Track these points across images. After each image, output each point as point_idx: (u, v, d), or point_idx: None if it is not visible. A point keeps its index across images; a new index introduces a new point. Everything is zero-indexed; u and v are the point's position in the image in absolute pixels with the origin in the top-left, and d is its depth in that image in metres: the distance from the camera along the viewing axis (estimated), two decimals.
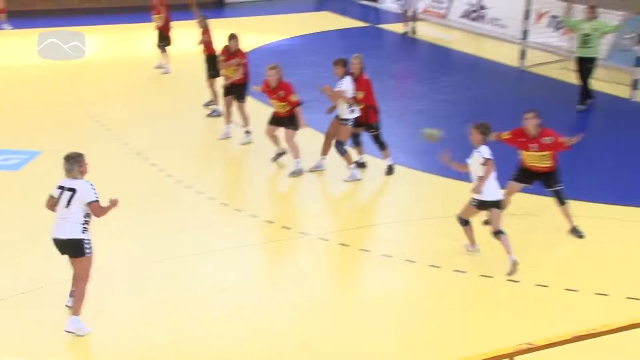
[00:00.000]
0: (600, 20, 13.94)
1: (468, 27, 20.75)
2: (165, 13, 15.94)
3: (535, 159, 9.25)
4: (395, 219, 10.23)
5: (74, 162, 7.33)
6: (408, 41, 19.69)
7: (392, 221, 10.19)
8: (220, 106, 13.44)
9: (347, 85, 10.83)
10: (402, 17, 20.21)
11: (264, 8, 23.50)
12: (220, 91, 13.24)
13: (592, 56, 13.74)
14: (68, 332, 7.30)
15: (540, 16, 18.70)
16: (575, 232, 9.44)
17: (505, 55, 17.46)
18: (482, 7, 20.78)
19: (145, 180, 11.18)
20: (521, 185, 9.54)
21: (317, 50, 17.92)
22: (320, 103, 13.98)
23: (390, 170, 11.40)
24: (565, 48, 17.63)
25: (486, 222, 9.20)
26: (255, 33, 20.13)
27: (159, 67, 16.49)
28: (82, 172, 7.38)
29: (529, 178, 9.47)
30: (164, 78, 16.18)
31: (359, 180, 11.03)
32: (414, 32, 19.83)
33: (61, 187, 7.31)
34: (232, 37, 12.53)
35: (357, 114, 10.96)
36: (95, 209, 7.26)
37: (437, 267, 8.73)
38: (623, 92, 14.94)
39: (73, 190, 7.22)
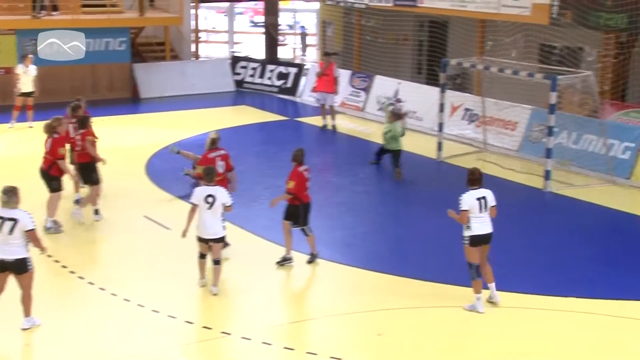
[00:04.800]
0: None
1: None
2: None
3: None
4: (319, 314, 9.97)
5: (12, 195, 8.90)
6: (327, 134, 19.85)
7: (315, 317, 9.92)
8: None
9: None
10: (320, 111, 20.44)
11: (181, 103, 23.37)
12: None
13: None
14: (25, 329, 9.06)
15: (454, 109, 19.18)
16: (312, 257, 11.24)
17: (423, 147, 17.71)
18: (398, 101, 21.19)
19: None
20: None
21: (235, 143, 17.77)
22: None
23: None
24: (480, 140, 18.06)
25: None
26: (173, 128, 19.97)
27: None
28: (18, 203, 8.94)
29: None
30: None
31: (480, 312, 9.84)
32: (333, 125, 20.04)
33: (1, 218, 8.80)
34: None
35: (473, 232, 9.82)
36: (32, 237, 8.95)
37: None
38: (537, 182, 15.27)
39: (14, 220, 8.81)
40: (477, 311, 9.82)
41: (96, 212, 13.12)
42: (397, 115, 16.31)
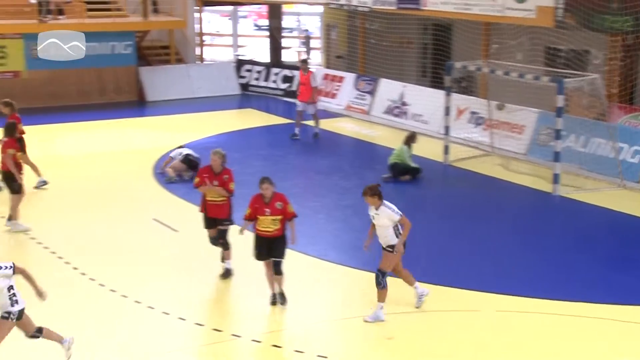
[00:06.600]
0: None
1: (390, 122, 21.08)
2: None
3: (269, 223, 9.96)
4: (328, 317, 9.96)
5: None
6: (333, 137, 19.82)
7: (325, 320, 9.90)
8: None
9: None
10: (311, 116, 20.09)
11: (186, 106, 23.40)
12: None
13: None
14: None
15: (460, 112, 19.17)
16: (282, 297, 10.02)
17: (430, 150, 17.67)
18: (404, 104, 21.22)
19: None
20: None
21: (241, 147, 17.84)
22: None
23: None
24: (487, 143, 18.03)
25: None
26: (179, 131, 19.98)
27: None
28: None
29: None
30: None
31: (382, 321, 9.67)
32: (316, 132, 19.43)
33: None
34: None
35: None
36: None
37: None
38: (545, 186, 15.22)
39: None
40: (379, 320, 9.58)
41: (9, 218, 12.69)
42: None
